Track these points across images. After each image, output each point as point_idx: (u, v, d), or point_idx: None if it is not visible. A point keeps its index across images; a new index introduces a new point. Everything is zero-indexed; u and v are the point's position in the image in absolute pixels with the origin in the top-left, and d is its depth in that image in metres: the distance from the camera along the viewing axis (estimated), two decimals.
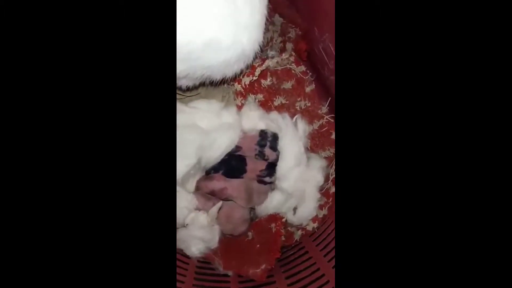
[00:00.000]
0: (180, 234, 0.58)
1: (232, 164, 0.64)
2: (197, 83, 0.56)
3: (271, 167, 0.65)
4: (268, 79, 0.67)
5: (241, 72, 0.55)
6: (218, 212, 0.61)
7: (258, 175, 0.65)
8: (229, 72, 0.51)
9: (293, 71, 0.67)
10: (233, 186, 0.64)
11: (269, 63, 0.64)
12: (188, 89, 0.61)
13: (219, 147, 0.62)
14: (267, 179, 0.65)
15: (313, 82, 0.69)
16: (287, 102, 0.68)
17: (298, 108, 0.69)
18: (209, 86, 0.62)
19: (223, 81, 0.57)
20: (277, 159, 0.64)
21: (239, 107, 0.66)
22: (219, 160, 0.62)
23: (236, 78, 0.62)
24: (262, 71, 0.64)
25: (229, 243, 0.63)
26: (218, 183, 0.62)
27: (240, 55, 0.48)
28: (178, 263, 0.55)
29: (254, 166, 0.65)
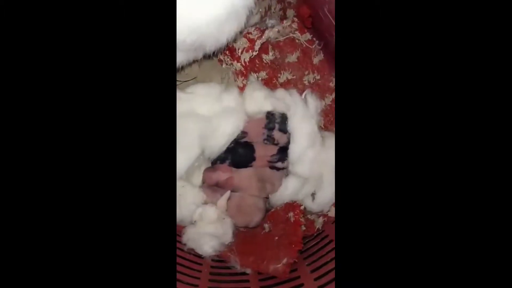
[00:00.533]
0: (189, 233, 0.53)
1: (239, 152, 0.58)
2: (191, 57, 0.50)
3: (283, 151, 0.59)
4: (270, 53, 0.60)
5: (235, 37, 0.48)
6: (227, 203, 0.56)
7: (269, 161, 0.59)
8: (222, 37, 0.45)
9: (297, 41, 0.60)
10: (242, 176, 0.58)
11: (269, 34, 0.57)
12: (183, 68, 0.55)
13: (222, 134, 0.56)
14: (279, 164, 0.59)
15: (321, 51, 0.62)
16: (294, 77, 0.62)
17: (306, 82, 0.62)
18: (204, 62, 0.56)
19: (217, 52, 0.51)
20: (288, 142, 0.59)
21: (241, 88, 0.60)
22: (224, 149, 0.57)
23: (230, 46, 0.56)
24: (262, 45, 0.57)
25: (244, 238, 0.58)
26: (223, 174, 0.57)
27: (230, 11, 0.41)
28: (190, 264, 0.51)
29: (264, 152, 0.59)
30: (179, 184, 0.56)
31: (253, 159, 0.59)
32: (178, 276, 0.47)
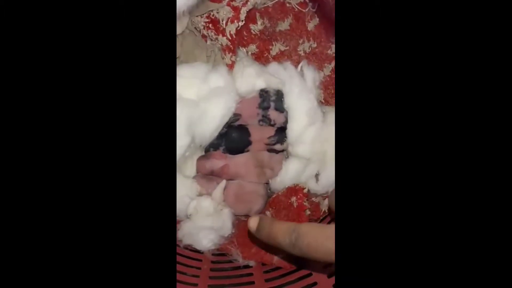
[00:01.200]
0: (185, 228, 0.49)
1: (232, 137, 0.53)
2: None
3: (281, 132, 0.54)
4: (259, 22, 0.53)
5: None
6: (224, 193, 0.52)
7: (267, 144, 0.54)
8: None
9: (288, 4, 0.53)
10: (238, 162, 0.54)
11: None
12: None
13: (213, 118, 0.51)
14: (277, 146, 0.54)
15: (316, 14, 0.54)
16: (287, 47, 0.56)
17: (301, 52, 0.56)
18: (186, 39, 0.50)
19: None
20: (286, 121, 0.54)
21: (230, 66, 0.54)
22: (216, 134, 0.52)
23: (213, 18, 0.50)
24: (248, 12, 0.50)
25: (245, 227, 0.54)
26: (218, 161, 0.52)
27: None
28: (188, 261, 0.48)
29: (260, 135, 0.54)
30: None
31: (249, 143, 0.54)
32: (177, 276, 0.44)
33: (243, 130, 0.54)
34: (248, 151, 0.55)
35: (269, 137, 0.54)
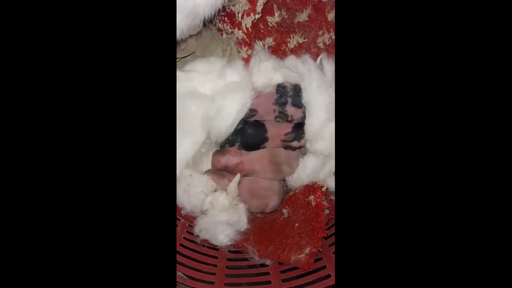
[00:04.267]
0: (202, 223, 0.49)
1: (248, 133, 0.52)
2: (185, 28, 0.44)
3: (298, 128, 0.52)
4: (276, 14, 0.51)
5: None
6: (238, 188, 0.52)
7: (284, 141, 0.53)
8: None
9: None
10: (253, 159, 0.53)
11: None
12: (178, 43, 0.49)
13: (228, 114, 0.50)
14: (295, 143, 0.53)
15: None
16: (306, 40, 0.53)
17: (321, 44, 0.53)
18: (202, 34, 0.49)
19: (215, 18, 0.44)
20: (303, 117, 0.52)
21: (246, 60, 0.53)
22: (232, 130, 0.51)
23: (229, 11, 0.48)
24: (265, 4, 0.48)
25: (261, 225, 0.53)
26: (233, 158, 0.52)
27: None
28: (204, 258, 0.47)
29: (277, 131, 0.53)
30: (186, 172, 0.52)
31: (266, 139, 0.53)
32: (192, 272, 0.44)
33: (260, 126, 0.53)
34: (264, 147, 0.53)
35: (286, 134, 0.52)
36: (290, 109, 0.52)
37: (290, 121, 0.53)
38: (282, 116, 0.52)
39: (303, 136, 0.52)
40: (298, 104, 0.51)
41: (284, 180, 0.55)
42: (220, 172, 0.53)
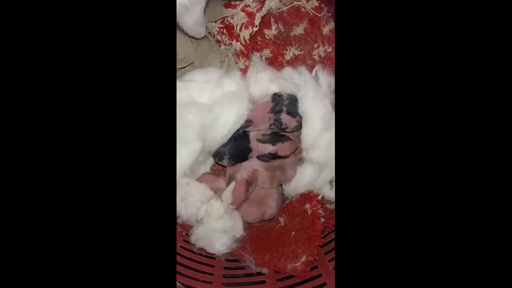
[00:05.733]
0: (198, 232, 0.49)
1: (232, 145, 0.53)
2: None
3: (275, 134, 0.54)
4: (273, 27, 0.53)
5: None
6: (232, 194, 0.52)
7: (259, 140, 0.54)
8: None
9: (303, 9, 0.53)
10: (252, 167, 0.53)
11: (270, 4, 0.50)
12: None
13: (225, 123, 0.51)
14: (269, 148, 0.53)
15: (331, 19, 0.54)
16: (302, 52, 0.55)
17: (316, 57, 0.55)
18: (200, 45, 0.51)
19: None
20: (298, 126, 0.53)
21: (243, 71, 0.54)
22: (225, 140, 0.51)
23: (227, 24, 0.50)
24: (263, 18, 0.50)
25: (258, 234, 0.54)
26: (248, 168, 0.53)
27: None
28: (201, 267, 0.47)
29: (258, 149, 0.54)
30: (184, 181, 0.52)
31: (250, 150, 0.54)
32: (188, 281, 0.44)
33: (244, 136, 0.54)
34: (251, 157, 0.54)
35: (263, 135, 0.53)
36: (284, 117, 0.53)
37: (284, 129, 0.54)
38: (277, 124, 0.53)
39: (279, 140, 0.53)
40: (293, 113, 0.52)
41: (281, 186, 0.56)
42: (215, 173, 0.53)
